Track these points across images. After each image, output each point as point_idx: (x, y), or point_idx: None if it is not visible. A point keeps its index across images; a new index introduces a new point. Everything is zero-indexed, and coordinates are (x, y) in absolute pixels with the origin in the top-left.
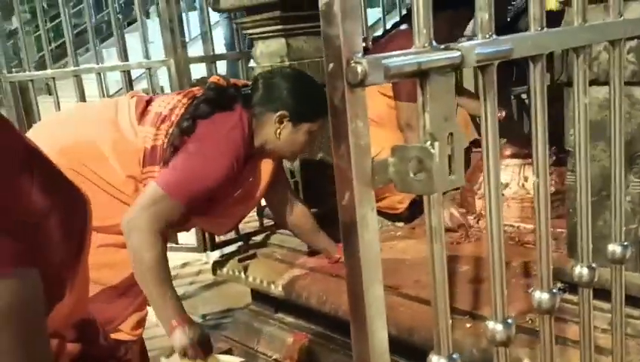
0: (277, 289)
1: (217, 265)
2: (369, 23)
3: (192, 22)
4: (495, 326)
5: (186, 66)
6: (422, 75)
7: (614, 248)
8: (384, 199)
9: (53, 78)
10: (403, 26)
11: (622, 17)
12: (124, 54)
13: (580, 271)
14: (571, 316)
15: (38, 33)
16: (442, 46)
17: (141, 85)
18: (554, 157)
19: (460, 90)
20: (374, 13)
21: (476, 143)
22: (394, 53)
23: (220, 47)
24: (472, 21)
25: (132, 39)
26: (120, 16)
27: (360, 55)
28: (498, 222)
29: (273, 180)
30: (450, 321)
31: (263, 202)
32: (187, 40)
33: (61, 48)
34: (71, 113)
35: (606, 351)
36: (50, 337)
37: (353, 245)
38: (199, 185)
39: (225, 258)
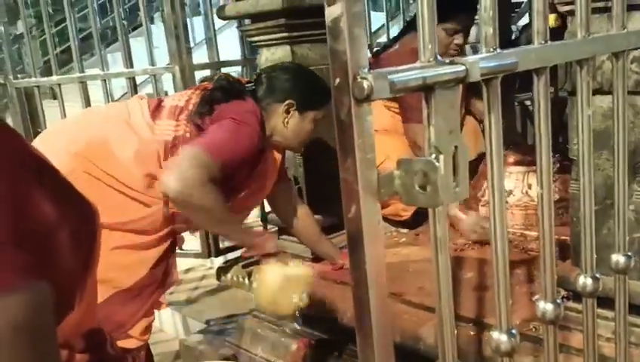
0: None
1: (221, 271)
2: (373, 29)
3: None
4: (500, 337)
5: (190, 73)
6: (427, 89)
7: (618, 258)
8: (389, 206)
9: (59, 85)
10: (395, 46)
11: (625, 29)
12: (129, 61)
13: (584, 281)
14: (575, 324)
15: (42, 38)
16: (447, 60)
17: (145, 91)
18: (557, 165)
19: (476, 95)
20: (378, 17)
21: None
22: (399, 68)
23: (224, 54)
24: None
25: (136, 44)
26: (125, 23)
27: (366, 70)
28: (502, 230)
29: (279, 177)
30: (455, 330)
31: (267, 208)
32: (192, 45)
33: (66, 53)
34: (78, 119)
35: (610, 359)
36: (60, 348)
37: (359, 256)
38: (232, 149)
39: (229, 264)
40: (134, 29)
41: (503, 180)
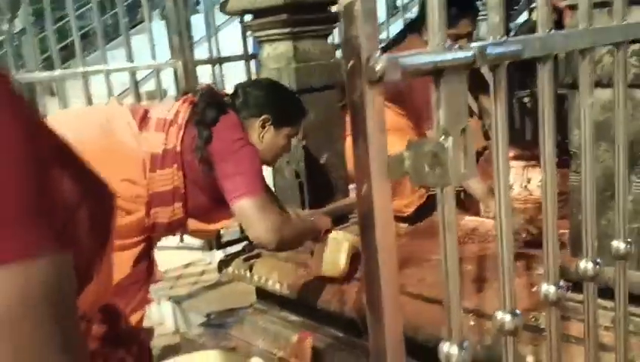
0: (282, 288)
1: (223, 264)
2: None
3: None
4: (504, 316)
5: (192, 68)
6: (437, 73)
7: (618, 244)
8: (392, 201)
9: (62, 80)
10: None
11: (626, 22)
12: (131, 56)
13: (585, 265)
14: (574, 314)
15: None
16: (457, 45)
17: (146, 86)
18: (557, 159)
19: (483, 89)
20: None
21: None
22: (411, 52)
23: (225, 50)
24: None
25: (135, 41)
26: (126, 19)
27: (378, 54)
28: (506, 209)
29: None
30: (462, 311)
31: None
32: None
33: (65, 50)
34: (58, 119)
35: (609, 347)
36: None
37: (370, 233)
38: (259, 170)
39: (230, 257)
40: (133, 27)
41: (507, 162)
